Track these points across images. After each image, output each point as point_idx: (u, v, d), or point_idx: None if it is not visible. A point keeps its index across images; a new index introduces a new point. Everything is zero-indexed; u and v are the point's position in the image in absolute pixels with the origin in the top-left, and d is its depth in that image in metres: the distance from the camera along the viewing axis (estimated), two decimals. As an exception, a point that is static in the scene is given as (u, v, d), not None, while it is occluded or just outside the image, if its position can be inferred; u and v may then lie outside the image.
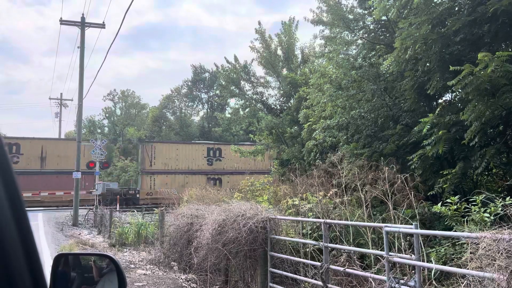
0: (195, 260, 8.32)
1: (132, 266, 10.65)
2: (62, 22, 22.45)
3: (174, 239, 10.01)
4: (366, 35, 11.94)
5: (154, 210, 18.34)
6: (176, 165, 33.27)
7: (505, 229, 3.89)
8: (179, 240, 9.70)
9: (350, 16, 12.17)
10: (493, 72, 6.42)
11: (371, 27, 12.05)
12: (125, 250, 13.13)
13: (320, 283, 6.09)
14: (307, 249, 7.33)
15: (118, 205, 24.06)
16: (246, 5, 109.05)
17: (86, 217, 21.91)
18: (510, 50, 7.41)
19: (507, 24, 7.52)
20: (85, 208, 23.81)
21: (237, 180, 30.14)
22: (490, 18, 7.39)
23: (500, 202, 5.26)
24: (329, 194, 8.43)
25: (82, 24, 22.21)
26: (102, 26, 22.63)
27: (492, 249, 3.78)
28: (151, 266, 10.48)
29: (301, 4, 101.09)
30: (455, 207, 6.06)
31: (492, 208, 5.36)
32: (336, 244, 6.93)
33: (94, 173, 25.01)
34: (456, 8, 8.54)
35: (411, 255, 4.88)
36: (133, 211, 18.10)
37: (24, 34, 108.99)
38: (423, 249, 5.83)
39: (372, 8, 10.00)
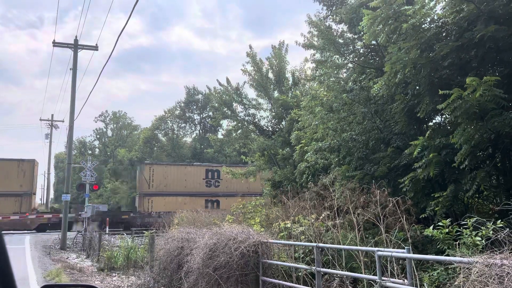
0: (186, 285, 8.16)
1: (121, 291, 10.39)
2: (55, 44, 22.55)
3: (164, 263, 9.82)
4: (356, 59, 12.13)
5: (145, 233, 18.06)
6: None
7: (496, 254, 3.87)
8: (169, 265, 9.52)
9: (341, 41, 12.38)
10: (481, 96, 6.53)
11: (361, 51, 12.26)
12: (113, 274, 12.84)
13: (312, 308, 5.99)
14: (300, 274, 7.23)
15: (107, 227, 23.68)
16: (236, 30, 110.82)
17: (75, 240, 21.49)
18: (497, 74, 7.55)
19: (493, 49, 7.70)
20: (74, 231, 23.39)
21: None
22: (477, 43, 7.56)
23: (491, 226, 5.26)
24: (321, 217, 8.37)
25: (75, 46, 22.32)
26: (95, 48, 22.76)
27: (485, 274, 3.76)
28: (140, 291, 10.23)
29: (289, 30, 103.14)
30: (447, 230, 6.04)
31: (484, 231, 5.35)
32: (328, 268, 6.86)
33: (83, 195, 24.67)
34: (444, 34, 8.74)
35: (404, 280, 4.83)
36: (123, 234, 17.80)
37: (16, 56, 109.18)
38: (416, 273, 5.78)
39: (362, 33, 10.19)
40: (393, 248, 6.35)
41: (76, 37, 22.64)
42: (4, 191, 29.73)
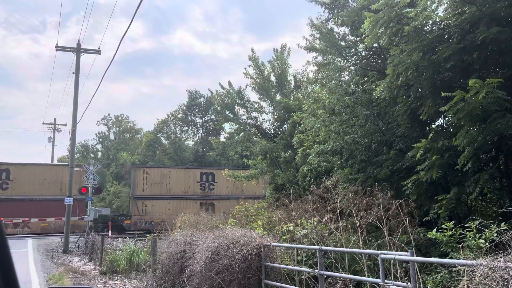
0: (188, 288, 8.14)
1: (123, 294, 10.38)
2: (58, 48, 22.63)
3: (166, 267, 9.80)
4: (359, 62, 12.12)
5: (147, 236, 18.06)
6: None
7: (501, 257, 3.85)
8: (172, 268, 9.50)
9: (343, 43, 12.38)
10: (484, 99, 6.52)
11: (363, 54, 12.25)
12: (116, 278, 12.83)
13: (315, 312, 5.96)
14: (303, 277, 7.20)
15: (110, 231, 23.71)
16: (238, 34, 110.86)
17: (77, 244, 21.49)
18: (499, 76, 7.54)
19: (496, 51, 7.68)
20: (76, 235, 23.40)
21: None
22: (479, 45, 7.55)
23: (495, 228, 5.24)
24: (324, 220, 8.35)
25: (78, 50, 22.40)
26: (97, 52, 22.84)
27: (489, 277, 3.74)
28: (143, 295, 10.22)
29: (291, 32, 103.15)
30: (450, 233, 6.02)
31: (488, 234, 5.33)
32: (331, 271, 6.83)
33: (86, 199, 24.66)
34: (446, 36, 8.73)
35: (407, 283, 4.81)
36: (125, 238, 17.80)
37: (18, 60, 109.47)
38: (420, 276, 5.75)
39: (364, 36, 10.20)
40: (396, 251, 6.32)
41: (78, 41, 22.71)
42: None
